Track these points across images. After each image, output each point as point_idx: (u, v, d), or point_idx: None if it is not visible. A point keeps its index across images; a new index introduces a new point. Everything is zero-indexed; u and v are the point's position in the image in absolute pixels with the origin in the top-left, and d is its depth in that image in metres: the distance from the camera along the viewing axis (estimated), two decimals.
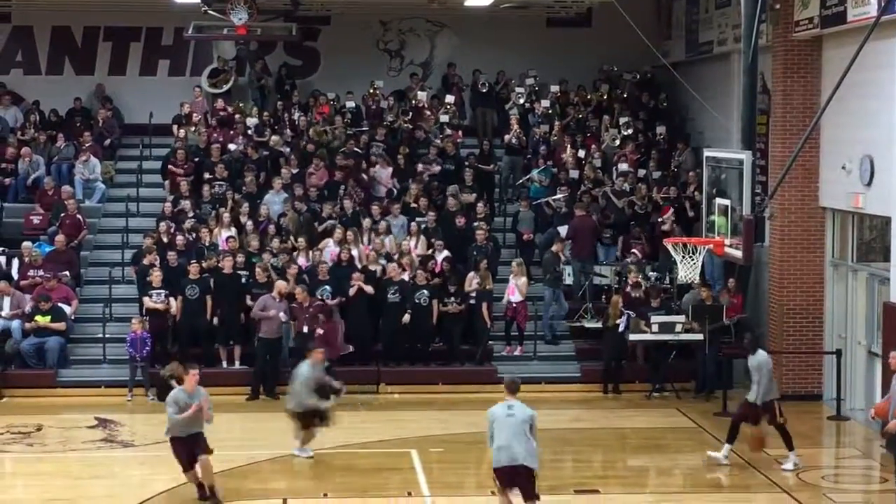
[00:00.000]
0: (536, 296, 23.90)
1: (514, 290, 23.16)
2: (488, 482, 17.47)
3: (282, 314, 21.89)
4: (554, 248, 23.73)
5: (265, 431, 19.68)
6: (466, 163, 26.28)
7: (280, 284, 22.05)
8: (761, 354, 17.80)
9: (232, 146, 26.33)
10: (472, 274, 23.13)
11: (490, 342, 23.28)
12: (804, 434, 19.75)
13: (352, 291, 22.45)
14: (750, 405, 17.63)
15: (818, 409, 21.29)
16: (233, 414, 20.83)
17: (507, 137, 27.14)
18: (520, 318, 23.30)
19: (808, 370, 21.82)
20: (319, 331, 21.63)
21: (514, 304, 23.20)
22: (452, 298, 22.74)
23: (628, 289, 22.85)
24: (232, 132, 26.86)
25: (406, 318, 22.51)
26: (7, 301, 22.58)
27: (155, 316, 22.33)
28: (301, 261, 23.31)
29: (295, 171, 25.67)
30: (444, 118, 27.36)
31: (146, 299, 22.46)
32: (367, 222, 24.23)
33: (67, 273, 23.50)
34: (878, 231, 21.03)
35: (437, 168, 26.00)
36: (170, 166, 25.98)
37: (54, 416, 20.65)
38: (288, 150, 26.26)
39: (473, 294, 22.96)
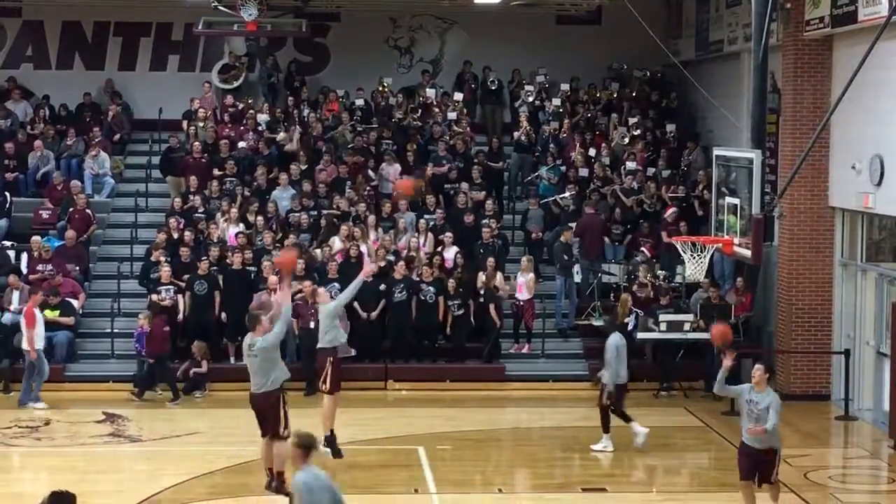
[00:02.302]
0: (545, 293, 23.91)
1: (522, 287, 23.15)
2: (496, 479, 17.55)
3: (274, 298, 21.84)
4: (562, 238, 23.75)
5: None
6: (476, 160, 26.27)
7: (272, 280, 22.07)
8: (614, 336, 18.30)
9: (241, 144, 26.35)
10: (482, 273, 23.12)
11: (498, 339, 23.27)
12: (812, 434, 19.76)
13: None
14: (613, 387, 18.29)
15: (826, 408, 21.26)
16: (239, 409, 20.85)
17: (516, 135, 27.14)
18: (527, 316, 23.29)
19: (817, 370, 21.79)
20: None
21: (522, 302, 23.19)
22: (458, 301, 22.68)
23: (635, 287, 22.83)
24: (242, 128, 26.88)
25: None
26: (16, 295, 22.61)
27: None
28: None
29: (304, 167, 25.67)
30: (452, 115, 27.35)
31: (154, 296, 22.49)
32: (372, 219, 24.22)
33: (77, 267, 23.54)
34: (888, 231, 21.01)
35: (446, 167, 25.97)
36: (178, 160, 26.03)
37: (62, 410, 20.69)
38: (296, 146, 26.27)
39: (482, 291, 22.95)
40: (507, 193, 27.07)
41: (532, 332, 23.39)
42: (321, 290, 18.41)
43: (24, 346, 20.98)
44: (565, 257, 23.65)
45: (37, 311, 21.01)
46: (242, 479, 16.83)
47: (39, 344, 20.97)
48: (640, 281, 22.96)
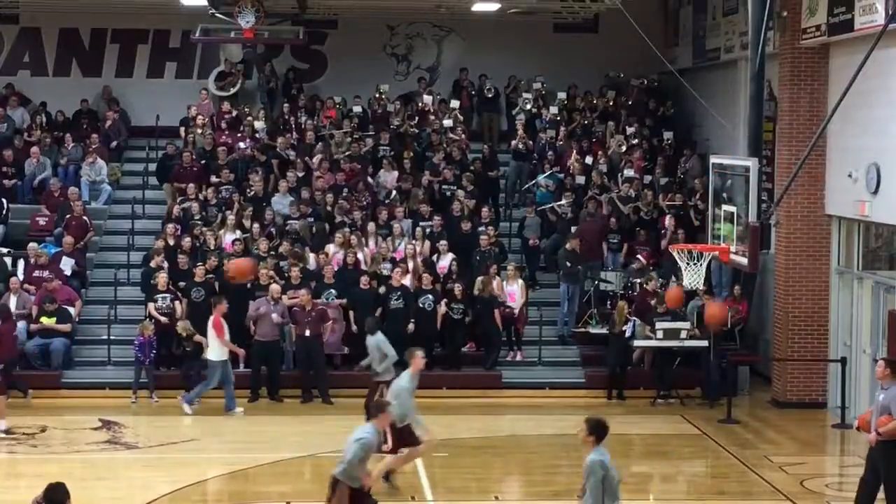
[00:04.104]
0: (541, 300, 23.90)
1: (514, 295, 23.10)
2: (492, 487, 17.54)
3: (275, 315, 21.83)
4: (568, 245, 23.75)
5: (268, 434, 19.69)
6: (472, 168, 26.28)
7: (273, 288, 22.03)
8: (378, 336, 19.42)
9: (241, 144, 26.36)
10: (479, 279, 23.10)
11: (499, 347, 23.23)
12: (808, 442, 19.76)
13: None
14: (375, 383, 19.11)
15: (822, 416, 21.26)
16: (235, 417, 20.85)
17: (513, 143, 27.15)
18: (518, 324, 23.25)
19: (813, 378, 21.78)
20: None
21: (514, 310, 23.10)
22: (461, 306, 22.66)
23: (647, 297, 22.69)
24: (239, 135, 26.89)
25: (410, 327, 22.44)
26: (14, 299, 22.56)
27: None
28: (311, 265, 23.32)
29: (301, 174, 25.69)
30: (448, 123, 27.37)
31: (151, 305, 22.45)
32: (371, 226, 24.23)
33: (73, 259, 23.47)
34: (884, 239, 21.01)
35: (443, 174, 25.95)
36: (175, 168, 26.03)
37: (59, 417, 20.65)
38: (293, 153, 26.29)
39: (479, 297, 22.91)
40: (504, 201, 27.08)
41: (523, 340, 23.33)
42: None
43: (211, 356, 20.94)
44: (568, 264, 23.62)
45: (223, 321, 21.04)
46: (237, 486, 16.81)
47: (225, 355, 21.00)
48: (650, 288, 22.80)
